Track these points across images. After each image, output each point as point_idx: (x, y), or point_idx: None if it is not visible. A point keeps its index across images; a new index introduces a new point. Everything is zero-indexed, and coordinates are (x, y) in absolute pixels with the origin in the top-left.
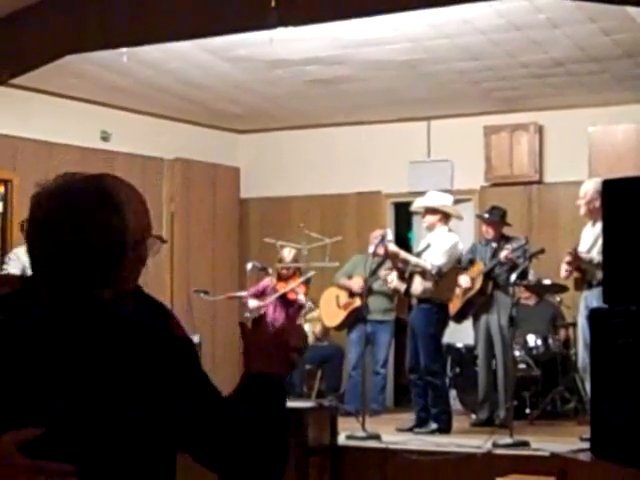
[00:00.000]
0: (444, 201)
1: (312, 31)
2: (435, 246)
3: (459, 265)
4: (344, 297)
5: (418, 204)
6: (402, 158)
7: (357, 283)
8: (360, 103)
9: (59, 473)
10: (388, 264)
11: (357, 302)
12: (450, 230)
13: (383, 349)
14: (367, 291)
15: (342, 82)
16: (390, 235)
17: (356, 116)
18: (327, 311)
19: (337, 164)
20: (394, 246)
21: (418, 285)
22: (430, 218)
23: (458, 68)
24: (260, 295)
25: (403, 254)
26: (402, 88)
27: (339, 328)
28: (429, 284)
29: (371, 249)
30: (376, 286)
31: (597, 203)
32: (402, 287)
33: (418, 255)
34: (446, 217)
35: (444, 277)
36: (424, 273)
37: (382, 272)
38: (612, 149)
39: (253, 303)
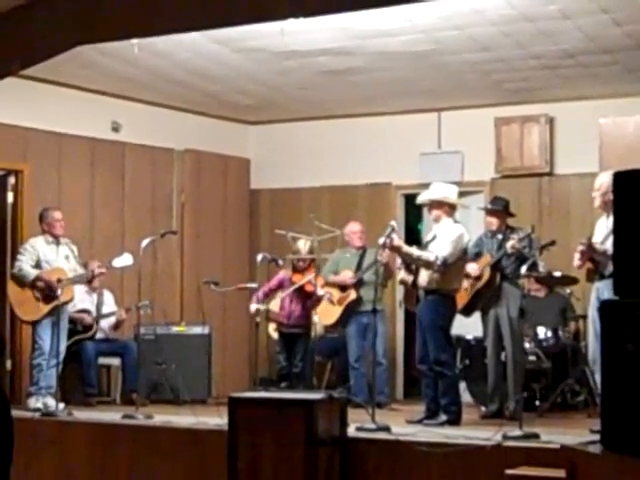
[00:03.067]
0: (448, 193)
1: (323, 22)
2: (441, 237)
3: (465, 256)
4: (336, 293)
5: (423, 197)
6: (412, 149)
7: (348, 275)
8: (371, 94)
9: None
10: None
11: (352, 295)
12: (456, 221)
13: (382, 339)
14: (361, 283)
15: (353, 73)
16: (393, 228)
17: (367, 107)
18: (321, 310)
19: (347, 155)
20: (398, 240)
21: (424, 276)
22: (436, 210)
23: (469, 59)
24: (276, 289)
25: (405, 248)
26: (413, 79)
27: (336, 325)
28: (435, 275)
29: (381, 240)
30: (366, 277)
31: (612, 195)
32: (409, 279)
33: (425, 246)
34: (451, 208)
35: (450, 268)
36: (428, 265)
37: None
38: (623, 141)
39: (253, 307)
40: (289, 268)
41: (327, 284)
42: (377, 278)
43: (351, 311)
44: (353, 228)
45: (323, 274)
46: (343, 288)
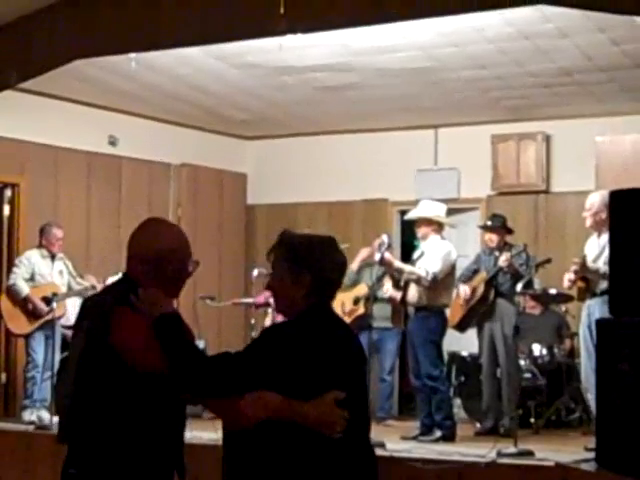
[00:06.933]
0: (437, 211)
1: (321, 38)
2: (429, 254)
3: (453, 272)
4: (349, 304)
5: (413, 214)
6: (409, 166)
7: (363, 289)
8: (368, 110)
9: None
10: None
11: (361, 309)
12: (443, 238)
13: (389, 356)
14: (372, 298)
15: (350, 89)
16: (385, 242)
17: (364, 123)
18: None
19: (344, 171)
20: (389, 255)
21: (414, 293)
22: (424, 228)
23: (466, 76)
24: (263, 305)
25: (397, 263)
26: (410, 96)
27: None
28: (425, 291)
29: (377, 256)
30: (381, 293)
31: (603, 215)
32: (398, 295)
33: (413, 263)
34: (439, 226)
35: (439, 284)
36: (419, 281)
37: (386, 280)
38: (620, 159)
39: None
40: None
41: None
42: (373, 293)
43: (359, 325)
44: (374, 242)
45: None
46: (356, 301)
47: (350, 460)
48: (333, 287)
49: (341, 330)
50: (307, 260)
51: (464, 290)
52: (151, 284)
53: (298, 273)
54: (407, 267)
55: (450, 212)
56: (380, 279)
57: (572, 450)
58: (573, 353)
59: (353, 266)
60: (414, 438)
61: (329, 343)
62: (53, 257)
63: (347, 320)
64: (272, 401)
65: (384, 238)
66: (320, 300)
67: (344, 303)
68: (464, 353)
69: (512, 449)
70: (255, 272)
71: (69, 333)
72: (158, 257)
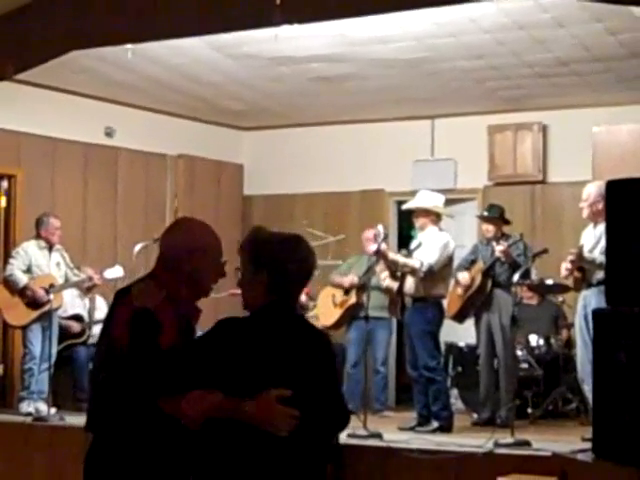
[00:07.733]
0: (435, 202)
1: (317, 29)
2: (426, 245)
3: (451, 263)
4: (340, 295)
5: (410, 205)
6: (406, 156)
7: (348, 279)
8: (364, 101)
9: None
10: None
11: (352, 299)
12: (441, 229)
13: (382, 347)
14: (364, 288)
15: (346, 80)
16: (381, 233)
17: (360, 114)
18: (323, 310)
19: (341, 162)
20: (385, 246)
21: (411, 284)
22: (422, 219)
23: (463, 67)
24: None
25: (391, 255)
26: (406, 86)
27: (335, 327)
28: (422, 282)
29: (374, 247)
30: (372, 283)
31: (599, 205)
32: (395, 286)
33: (410, 254)
34: (437, 217)
35: (436, 274)
36: (413, 272)
37: (378, 268)
38: (616, 149)
39: None
40: None
41: (331, 285)
42: (368, 284)
43: (351, 316)
44: (365, 234)
45: (331, 274)
46: (346, 291)
47: (294, 459)
48: (294, 285)
49: (298, 329)
50: (264, 257)
51: (463, 277)
52: (170, 282)
53: (256, 270)
54: (401, 259)
55: (447, 202)
56: (371, 267)
57: (569, 440)
58: (570, 343)
59: (349, 259)
60: (411, 429)
61: (278, 341)
62: (50, 248)
63: (339, 311)
64: (212, 400)
65: (380, 229)
66: (280, 298)
67: (334, 294)
68: (461, 344)
69: (509, 439)
70: None
71: (66, 324)
72: (174, 256)
